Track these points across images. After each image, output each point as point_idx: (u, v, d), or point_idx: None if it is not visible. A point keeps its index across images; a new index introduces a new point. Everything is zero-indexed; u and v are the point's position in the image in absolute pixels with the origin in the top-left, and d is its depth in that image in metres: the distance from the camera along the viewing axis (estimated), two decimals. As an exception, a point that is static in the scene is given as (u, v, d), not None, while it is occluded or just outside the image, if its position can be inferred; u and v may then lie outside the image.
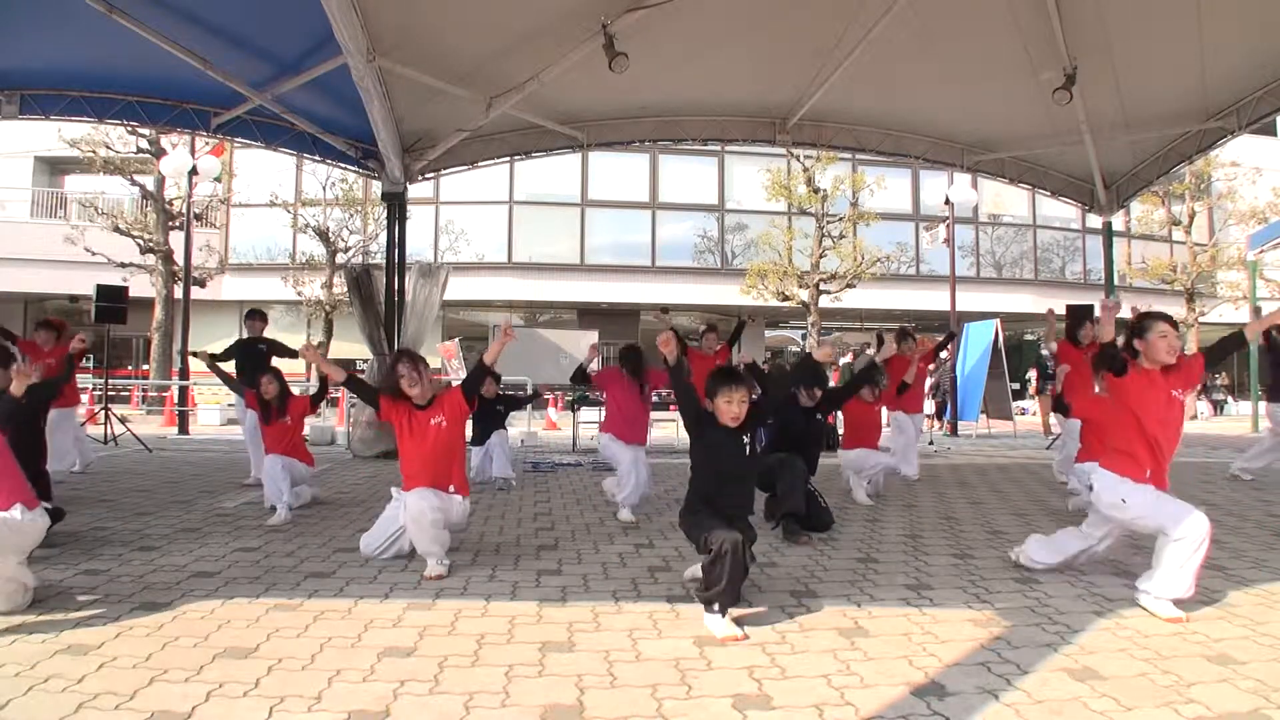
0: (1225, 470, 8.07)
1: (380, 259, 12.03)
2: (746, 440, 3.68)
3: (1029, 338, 26.71)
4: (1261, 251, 16.03)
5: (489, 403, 7.35)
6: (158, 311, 17.82)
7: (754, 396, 3.59)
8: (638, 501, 5.80)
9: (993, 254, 25.30)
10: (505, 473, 7.23)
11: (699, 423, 3.62)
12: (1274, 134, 23.70)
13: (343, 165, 10.80)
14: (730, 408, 3.47)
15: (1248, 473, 7.69)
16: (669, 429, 13.18)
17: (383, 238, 12.86)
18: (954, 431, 14.04)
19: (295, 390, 6.41)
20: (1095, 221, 18.03)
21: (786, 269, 19.64)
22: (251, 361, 7.17)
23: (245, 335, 7.83)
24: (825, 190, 19.34)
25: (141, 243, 17.60)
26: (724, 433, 3.55)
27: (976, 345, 14.48)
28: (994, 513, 6.04)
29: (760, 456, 5.43)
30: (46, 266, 20.23)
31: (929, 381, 14.79)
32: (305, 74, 8.03)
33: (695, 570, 3.69)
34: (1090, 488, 3.78)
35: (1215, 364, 3.82)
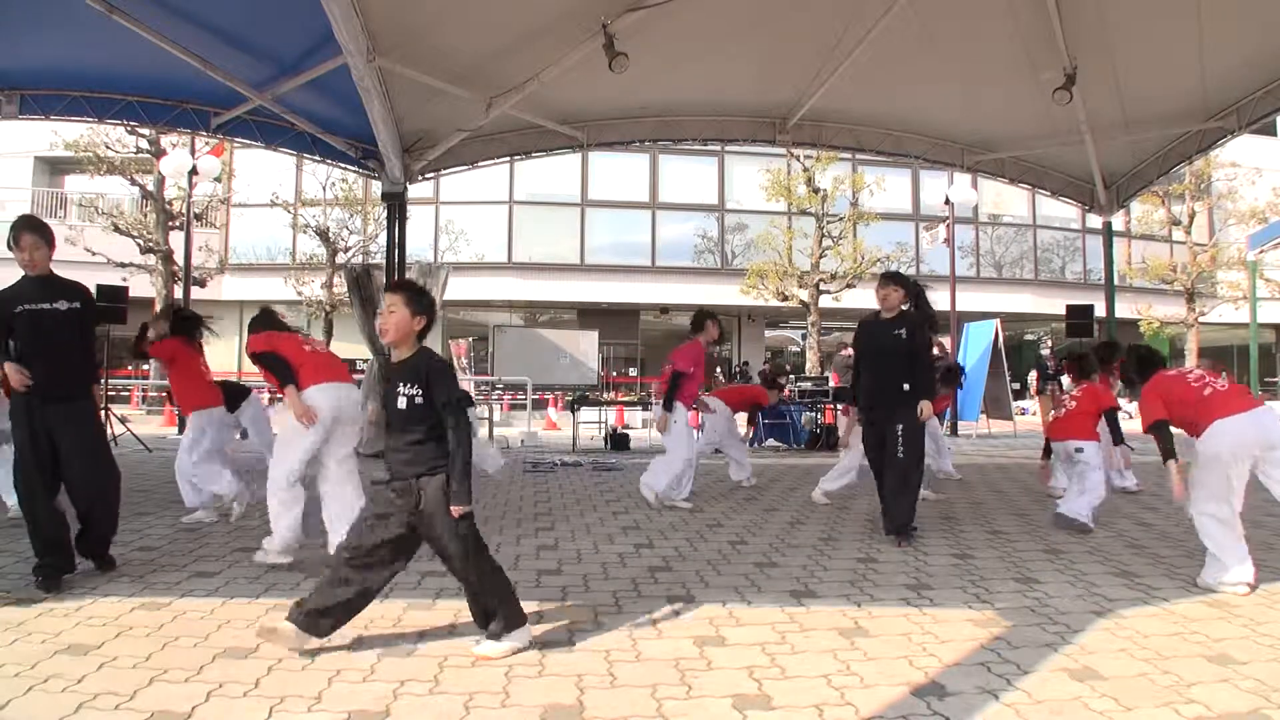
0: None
1: (380, 259, 12.03)
2: None
3: (1029, 338, 26.72)
4: (1261, 251, 15.99)
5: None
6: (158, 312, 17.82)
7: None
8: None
9: (993, 254, 25.30)
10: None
11: None
12: (1274, 134, 23.69)
13: (343, 165, 10.80)
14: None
15: None
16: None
17: (383, 238, 12.86)
18: (954, 431, 14.04)
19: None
20: (1095, 221, 18.04)
21: (786, 269, 19.65)
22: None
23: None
24: (825, 190, 19.35)
25: (141, 243, 17.58)
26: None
27: (976, 345, 14.48)
28: (994, 513, 6.05)
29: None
30: (46, 266, 20.22)
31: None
32: (305, 74, 8.02)
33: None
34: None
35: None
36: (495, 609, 2.98)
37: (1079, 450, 5.47)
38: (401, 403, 2.93)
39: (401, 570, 3.07)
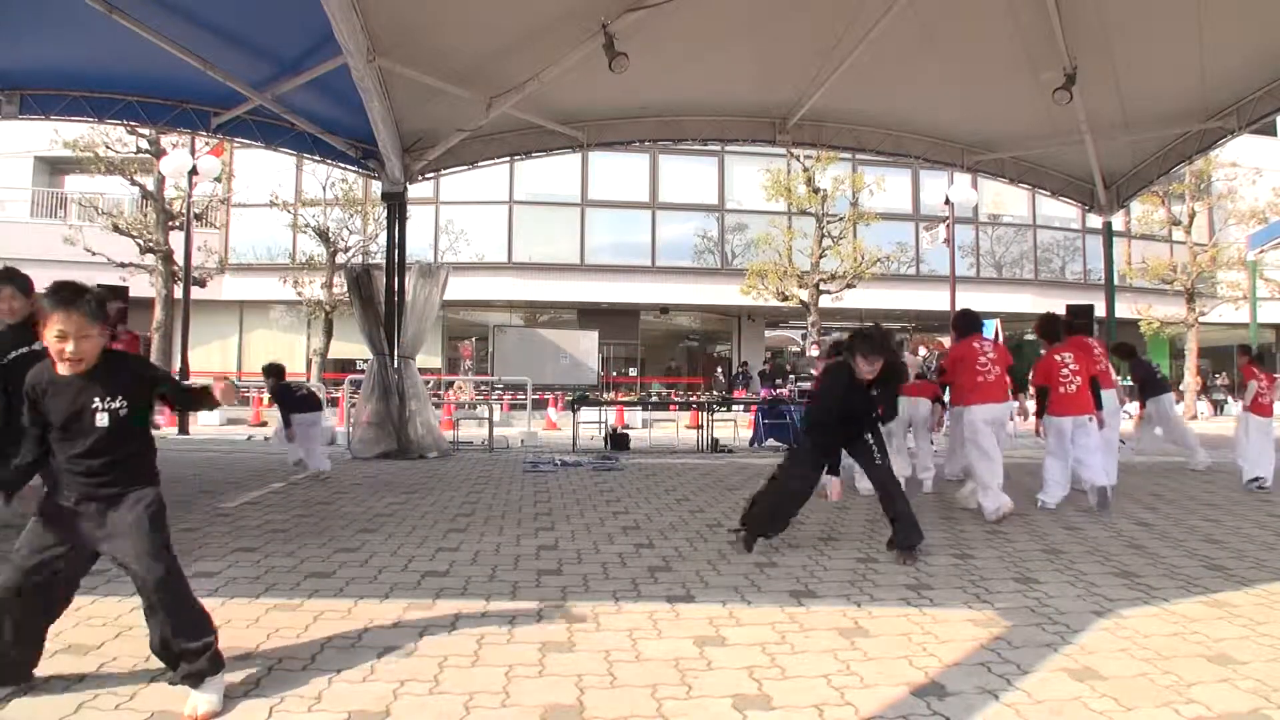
0: (1225, 470, 8.06)
1: (380, 259, 12.04)
2: None
3: (1029, 338, 26.70)
4: (1261, 251, 16.05)
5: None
6: (158, 311, 17.80)
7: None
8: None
9: (993, 254, 25.31)
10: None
11: None
12: (1274, 134, 23.70)
13: (343, 165, 10.81)
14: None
15: None
16: (669, 429, 13.18)
17: (383, 238, 12.87)
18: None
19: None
20: (1095, 221, 18.06)
21: (786, 269, 19.66)
22: None
23: None
24: (825, 190, 19.36)
25: (141, 243, 17.58)
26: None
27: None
28: (994, 513, 6.03)
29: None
30: (46, 266, 20.08)
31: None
32: (305, 74, 8.04)
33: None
34: None
35: None
36: (192, 648, 2.49)
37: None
38: (103, 420, 2.46)
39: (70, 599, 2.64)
